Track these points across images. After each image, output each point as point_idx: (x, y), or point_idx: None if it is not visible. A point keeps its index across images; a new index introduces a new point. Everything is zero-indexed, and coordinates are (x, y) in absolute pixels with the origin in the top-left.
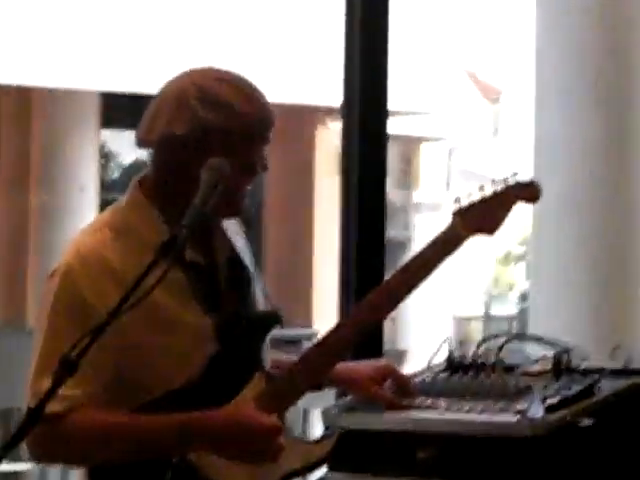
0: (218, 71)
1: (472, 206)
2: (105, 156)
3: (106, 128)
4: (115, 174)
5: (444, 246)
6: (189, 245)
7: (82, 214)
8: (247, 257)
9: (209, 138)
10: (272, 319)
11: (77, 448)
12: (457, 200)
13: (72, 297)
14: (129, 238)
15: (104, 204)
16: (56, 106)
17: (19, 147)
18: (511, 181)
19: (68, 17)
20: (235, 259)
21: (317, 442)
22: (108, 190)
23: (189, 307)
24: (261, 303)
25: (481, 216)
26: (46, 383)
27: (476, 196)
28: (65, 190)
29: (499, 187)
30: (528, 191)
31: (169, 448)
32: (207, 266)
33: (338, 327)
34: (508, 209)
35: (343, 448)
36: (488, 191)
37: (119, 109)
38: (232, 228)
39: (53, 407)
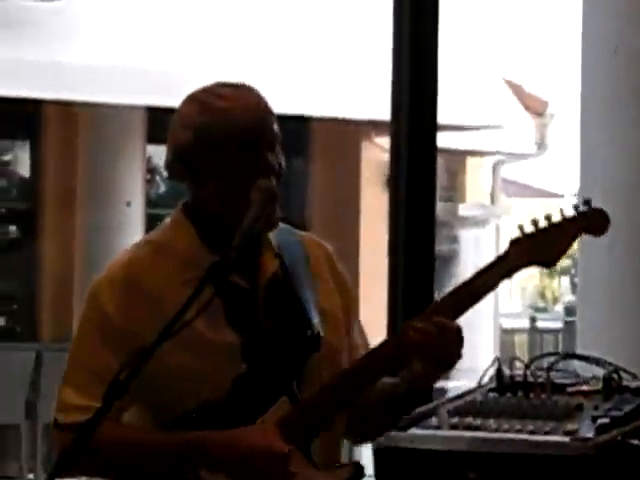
0: (221, 83)
1: (532, 235)
2: (151, 171)
3: (151, 143)
4: (161, 189)
5: (495, 275)
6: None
7: (128, 229)
8: (301, 271)
9: (210, 143)
10: (308, 345)
11: (96, 458)
12: (520, 228)
13: (97, 314)
14: (167, 255)
15: (150, 219)
16: (102, 122)
17: (65, 163)
18: (577, 211)
19: (113, 32)
20: (276, 282)
21: (334, 471)
22: (154, 205)
23: (220, 327)
24: (315, 324)
25: (540, 246)
26: (69, 394)
27: (540, 225)
28: (112, 206)
29: (564, 217)
30: (595, 222)
31: (176, 465)
32: (247, 288)
33: (373, 351)
34: (571, 241)
35: (393, 465)
36: (554, 219)
37: (164, 124)
38: (292, 243)
39: (78, 417)
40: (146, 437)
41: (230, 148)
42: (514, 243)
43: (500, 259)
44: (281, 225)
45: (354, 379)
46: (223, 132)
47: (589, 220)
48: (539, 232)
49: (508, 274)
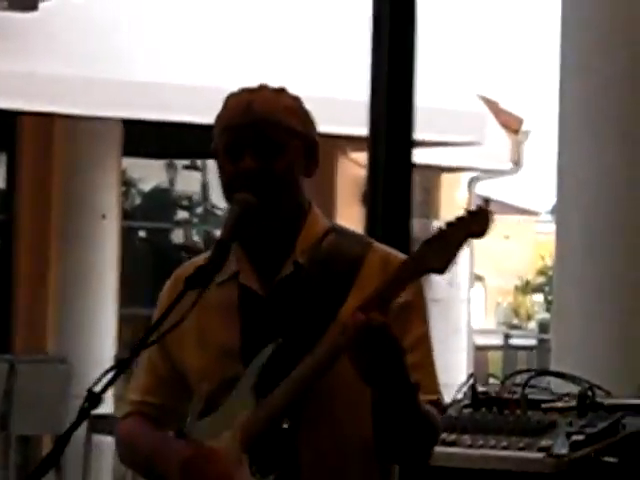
0: (249, 88)
1: (424, 245)
2: (126, 184)
3: (127, 156)
4: (136, 202)
5: (391, 286)
6: (245, 269)
7: (104, 242)
8: (333, 282)
9: (214, 148)
10: (296, 353)
11: (121, 452)
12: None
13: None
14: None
15: (125, 232)
16: (78, 134)
17: (41, 175)
18: (457, 216)
19: (90, 43)
20: (286, 288)
21: None
22: (129, 218)
23: (230, 327)
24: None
25: (432, 254)
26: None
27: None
28: (87, 218)
29: (447, 222)
30: (477, 223)
31: (162, 473)
32: (258, 292)
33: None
34: (458, 246)
35: None
36: (442, 226)
37: (140, 137)
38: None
39: (121, 410)
40: (150, 437)
41: (219, 153)
42: (408, 257)
43: (395, 272)
44: (360, 237)
45: (304, 370)
46: (215, 138)
47: (472, 223)
48: (433, 239)
49: (403, 284)
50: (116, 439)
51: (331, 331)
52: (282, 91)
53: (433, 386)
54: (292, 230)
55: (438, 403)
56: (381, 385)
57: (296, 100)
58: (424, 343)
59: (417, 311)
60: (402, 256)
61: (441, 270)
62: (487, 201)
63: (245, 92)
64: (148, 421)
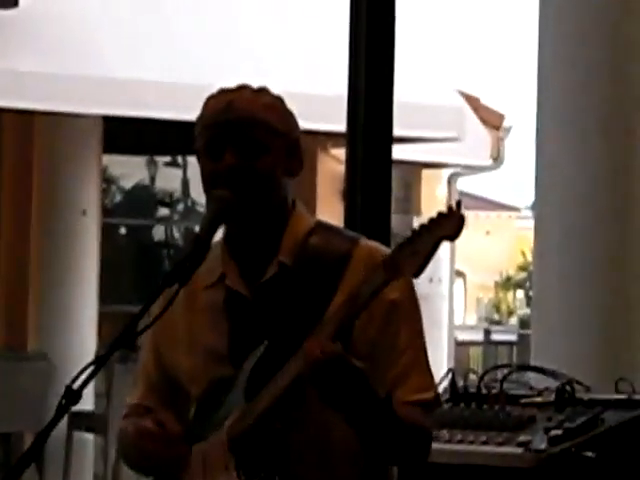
0: (227, 88)
1: (397, 250)
2: (106, 181)
3: (108, 153)
4: (117, 198)
5: (366, 290)
6: (231, 271)
7: (84, 238)
8: (318, 282)
9: (195, 148)
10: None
11: (120, 452)
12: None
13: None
14: (207, 261)
15: (106, 228)
16: (58, 130)
17: (21, 171)
18: (430, 218)
19: (71, 40)
20: (270, 289)
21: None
22: (110, 214)
23: (218, 329)
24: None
25: (405, 258)
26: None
27: (406, 235)
28: (67, 214)
29: (420, 225)
30: (447, 226)
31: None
32: (243, 294)
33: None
34: (430, 249)
35: None
36: (416, 229)
37: (121, 134)
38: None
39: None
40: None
41: (199, 153)
42: (388, 256)
43: (366, 280)
44: (346, 233)
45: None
46: (196, 137)
47: (444, 226)
48: (406, 243)
49: (377, 290)
50: (117, 439)
51: (295, 357)
52: (263, 90)
53: (425, 384)
54: (276, 230)
55: (430, 402)
56: (343, 409)
57: (277, 99)
58: (414, 341)
59: (406, 311)
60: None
61: (414, 275)
62: (459, 203)
63: (225, 92)
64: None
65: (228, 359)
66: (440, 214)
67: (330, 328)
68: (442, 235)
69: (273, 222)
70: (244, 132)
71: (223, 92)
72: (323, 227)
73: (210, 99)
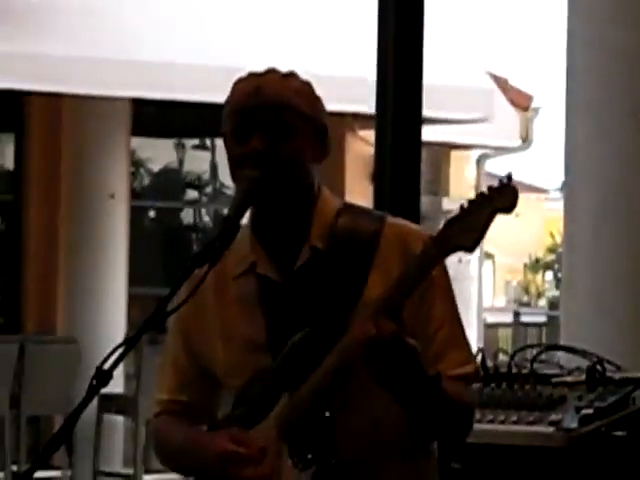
0: (256, 72)
1: (451, 222)
2: (135, 164)
3: (136, 136)
4: (145, 181)
5: (417, 271)
6: (262, 259)
7: (112, 222)
8: (351, 263)
9: (223, 132)
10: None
11: (156, 450)
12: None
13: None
14: (232, 250)
15: (134, 212)
16: (86, 114)
17: (50, 155)
18: (482, 192)
19: (97, 23)
20: (305, 274)
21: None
22: (138, 198)
23: (254, 319)
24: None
25: (458, 233)
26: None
27: (458, 210)
28: (96, 198)
29: (472, 200)
30: (502, 199)
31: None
32: (277, 280)
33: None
34: (485, 223)
35: None
36: (467, 204)
37: (149, 117)
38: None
39: (154, 409)
40: (183, 434)
41: (227, 137)
42: (430, 238)
43: (419, 256)
44: (373, 212)
45: (327, 367)
46: (223, 121)
47: (498, 199)
48: (456, 218)
49: (429, 267)
50: (152, 438)
51: (342, 340)
52: (291, 75)
53: (465, 358)
54: (304, 215)
55: (471, 375)
56: (396, 388)
57: (305, 84)
58: (451, 318)
59: (441, 287)
60: (417, 229)
61: (470, 248)
62: (509, 177)
63: (253, 76)
64: (179, 418)
65: (267, 349)
66: (492, 188)
67: (383, 307)
68: (498, 207)
69: (301, 206)
70: (272, 116)
71: (252, 76)
72: (349, 208)
73: (238, 83)
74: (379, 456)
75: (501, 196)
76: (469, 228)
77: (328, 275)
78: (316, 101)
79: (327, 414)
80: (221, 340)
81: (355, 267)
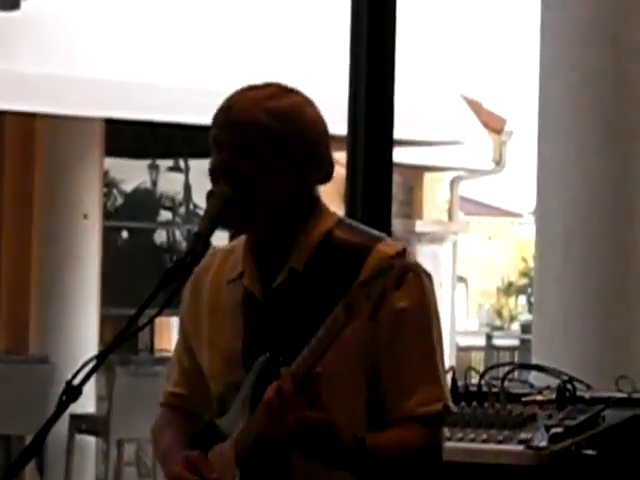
0: (253, 85)
1: (356, 289)
2: (108, 184)
3: (109, 156)
4: (118, 202)
5: (327, 335)
6: (249, 270)
7: (85, 242)
8: (326, 288)
9: None
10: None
11: (153, 445)
12: None
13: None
14: (229, 256)
15: (107, 232)
16: (60, 133)
17: (23, 174)
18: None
19: (72, 42)
20: (280, 294)
21: None
22: (111, 218)
23: (235, 330)
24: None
25: (364, 299)
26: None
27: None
28: (69, 217)
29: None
30: (390, 277)
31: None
32: (256, 296)
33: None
34: (378, 293)
35: None
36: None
37: (122, 137)
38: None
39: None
40: (167, 435)
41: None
42: (346, 297)
43: (332, 317)
44: (367, 234)
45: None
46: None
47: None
48: (365, 283)
49: (338, 332)
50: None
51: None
52: (280, 91)
53: (433, 396)
54: (287, 235)
55: (436, 414)
56: (313, 454)
57: (289, 104)
58: (424, 354)
59: (414, 319)
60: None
61: (368, 319)
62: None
63: (239, 91)
64: (177, 413)
65: (242, 362)
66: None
67: (296, 372)
68: (386, 285)
69: (278, 227)
70: (237, 135)
71: (237, 91)
72: (343, 228)
73: (228, 95)
74: None
75: (390, 274)
76: (369, 297)
77: (301, 299)
78: (299, 122)
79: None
80: (207, 345)
81: (330, 295)
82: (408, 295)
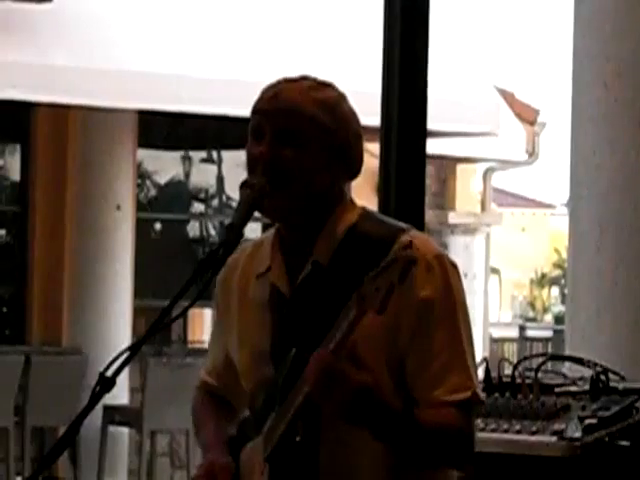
0: (289, 78)
1: (365, 284)
2: (141, 176)
3: (142, 147)
4: (151, 193)
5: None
6: (276, 265)
7: (118, 233)
8: (350, 281)
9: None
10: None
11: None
12: None
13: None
14: (258, 251)
15: (140, 223)
16: (93, 125)
17: (56, 167)
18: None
19: (104, 34)
20: (305, 288)
21: None
22: (144, 209)
23: (264, 326)
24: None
25: (370, 293)
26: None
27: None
28: (102, 209)
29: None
30: (397, 271)
31: None
32: (282, 291)
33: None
34: (384, 292)
35: None
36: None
37: (155, 128)
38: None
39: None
40: (207, 422)
41: (248, 136)
42: (360, 289)
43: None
44: (392, 226)
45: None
46: (252, 115)
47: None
48: (373, 276)
49: (354, 323)
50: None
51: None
52: (321, 86)
53: (462, 383)
54: (314, 228)
55: (466, 401)
56: (362, 424)
57: (332, 96)
58: (452, 342)
59: (439, 308)
60: (427, 252)
61: (378, 312)
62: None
63: (281, 81)
64: (213, 398)
65: (270, 359)
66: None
67: (332, 344)
68: (394, 281)
69: (310, 218)
70: (283, 122)
71: (279, 82)
72: (368, 220)
73: (266, 86)
74: None
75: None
76: (379, 289)
77: (325, 293)
78: (339, 114)
79: (297, 439)
80: (238, 340)
81: (353, 287)
82: (432, 285)
